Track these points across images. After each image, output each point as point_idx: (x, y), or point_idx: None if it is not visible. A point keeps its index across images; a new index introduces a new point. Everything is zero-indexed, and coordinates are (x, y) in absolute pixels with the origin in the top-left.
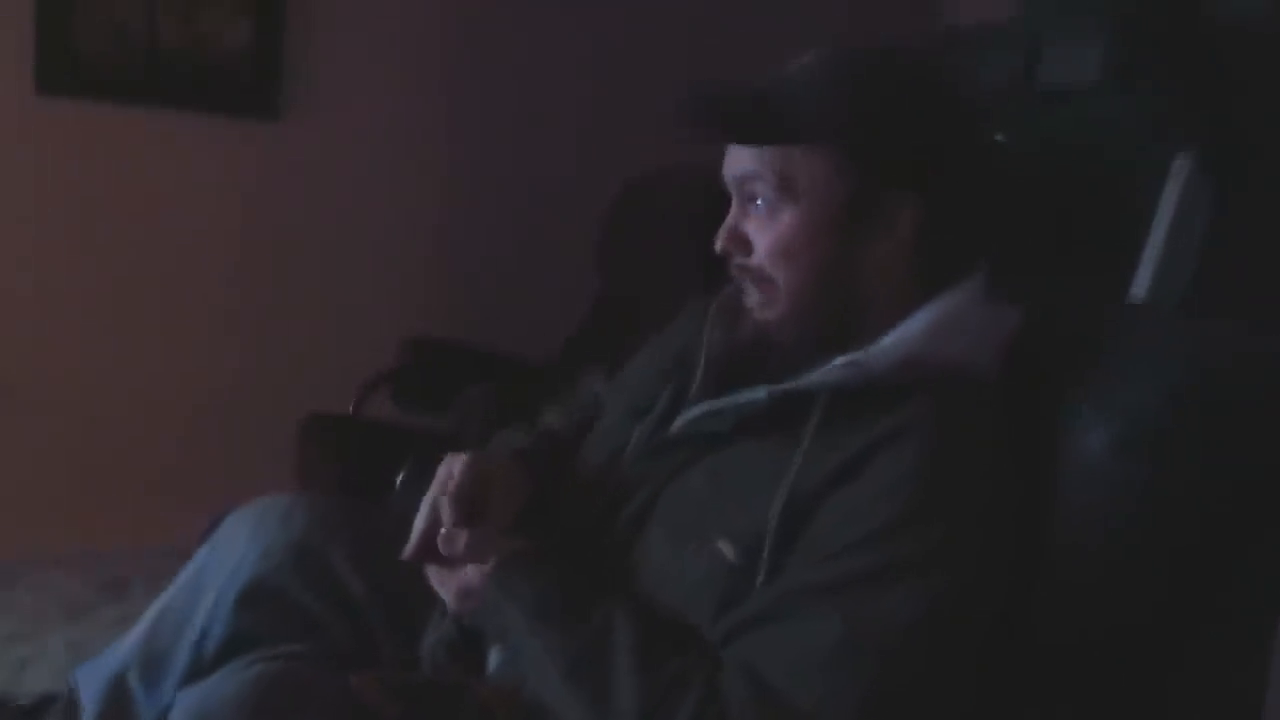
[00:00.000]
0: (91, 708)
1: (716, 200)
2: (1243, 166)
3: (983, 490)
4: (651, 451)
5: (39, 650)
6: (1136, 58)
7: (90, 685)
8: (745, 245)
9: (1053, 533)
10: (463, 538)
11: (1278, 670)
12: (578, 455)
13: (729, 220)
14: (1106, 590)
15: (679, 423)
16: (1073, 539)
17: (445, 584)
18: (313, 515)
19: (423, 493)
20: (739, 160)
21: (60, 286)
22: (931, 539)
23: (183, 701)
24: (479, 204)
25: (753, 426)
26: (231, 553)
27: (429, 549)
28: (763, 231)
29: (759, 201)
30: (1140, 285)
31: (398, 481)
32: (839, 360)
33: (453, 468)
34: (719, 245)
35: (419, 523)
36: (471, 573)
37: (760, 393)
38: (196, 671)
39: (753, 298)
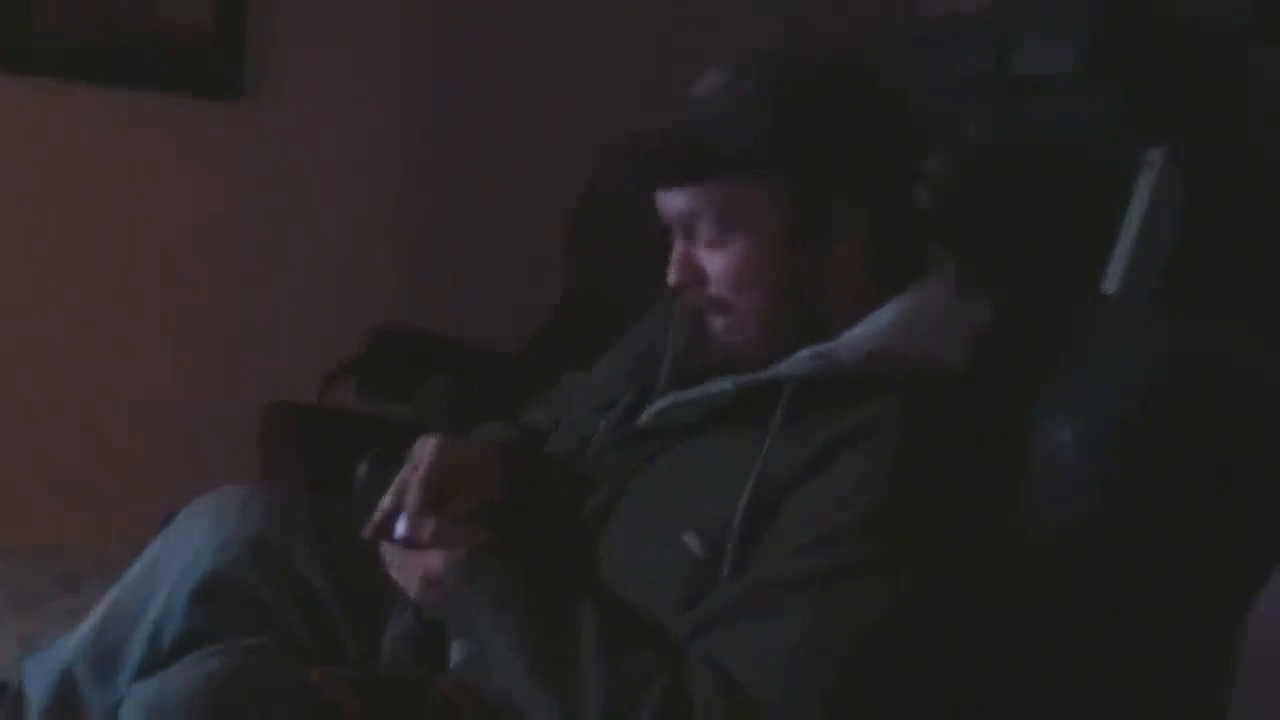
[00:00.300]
0: (38, 700)
1: None
2: (1215, 160)
3: (950, 487)
4: (619, 444)
5: None
6: (1110, 49)
7: (38, 678)
8: (700, 276)
9: (1020, 530)
10: (429, 524)
11: (1245, 670)
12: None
13: (678, 253)
14: (1071, 589)
15: (647, 415)
16: (1039, 537)
17: (407, 570)
18: (273, 508)
19: (386, 485)
20: (673, 200)
21: (12, 270)
22: (900, 535)
23: (136, 695)
24: (447, 189)
25: (720, 419)
26: (187, 546)
27: (388, 530)
28: (715, 261)
29: (702, 232)
30: (1111, 279)
31: (359, 473)
32: (805, 351)
33: (425, 449)
34: (673, 280)
35: (384, 501)
36: (436, 560)
37: (726, 384)
38: (152, 665)
39: (717, 323)
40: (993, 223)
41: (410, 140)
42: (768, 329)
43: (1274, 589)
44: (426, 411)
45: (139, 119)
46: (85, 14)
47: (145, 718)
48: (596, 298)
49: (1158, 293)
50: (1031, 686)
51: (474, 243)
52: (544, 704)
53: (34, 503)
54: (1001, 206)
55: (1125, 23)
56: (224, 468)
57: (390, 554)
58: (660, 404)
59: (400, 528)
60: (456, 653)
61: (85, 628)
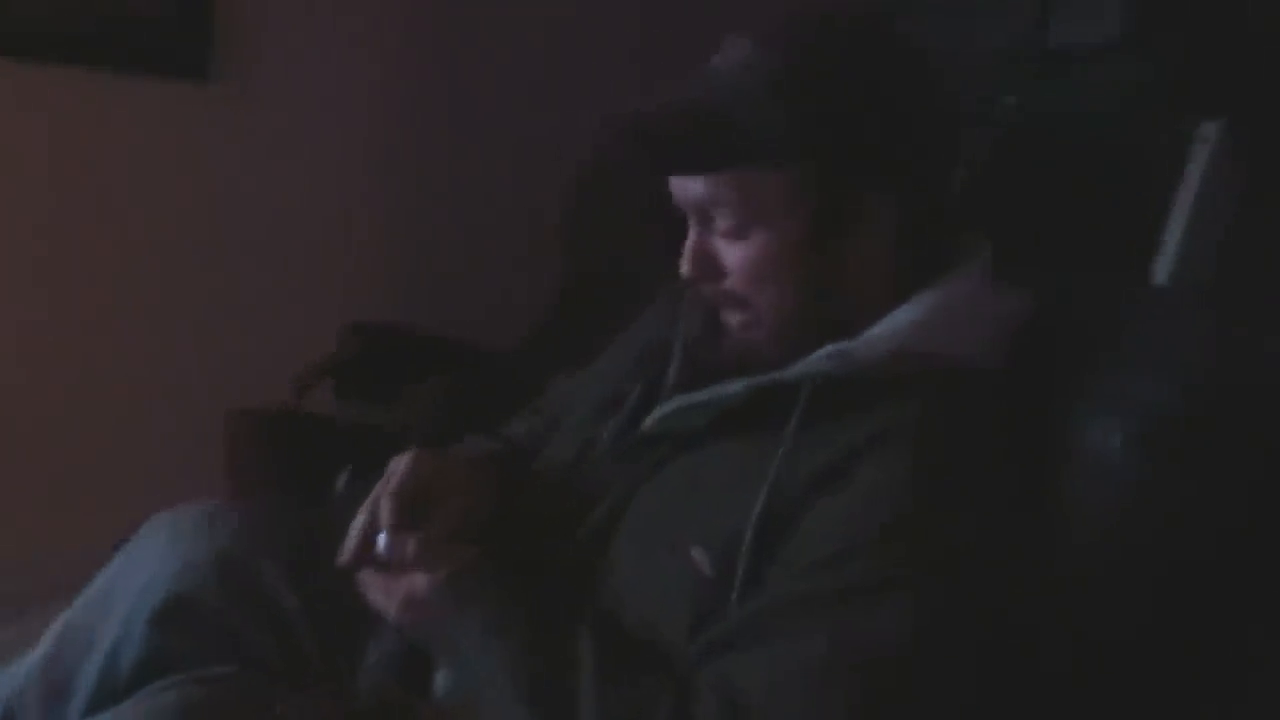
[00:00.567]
0: None
1: None
2: (1275, 136)
3: (979, 497)
4: (623, 451)
5: None
6: (1158, 14)
7: None
8: (715, 269)
9: (1060, 532)
10: (411, 542)
11: None
12: (542, 457)
13: (692, 243)
14: (1114, 593)
15: (652, 419)
16: (1081, 539)
17: (387, 592)
18: (239, 524)
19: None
20: (690, 187)
21: None
22: (925, 551)
23: None
24: (428, 175)
25: (731, 423)
26: (145, 565)
27: (368, 554)
28: (733, 254)
29: (720, 222)
30: (1161, 269)
31: (338, 485)
32: (824, 350)
33: (399, 464)
34: (686, 272)
35: (357, 523)
36: (419, 581)
37: (738, 385)
38: (107, 696)
39: (732, 319)
40: (1032, 207)
41: (387, 126)
42: (786, 327)
43: None
44: (414, 416)
45: (99, 101)
46: None
47: None
48: (594, 290)
49: (1212, 283)
50: (1073, 693)
51: (460, 232)
52: None
53: None
54: (1041, 189)
55: None
56: (189, 481)
57: (368, 578)
58: (667, 407)
59: (381, 545)
60: (442, 679)
61: (36, 655)
